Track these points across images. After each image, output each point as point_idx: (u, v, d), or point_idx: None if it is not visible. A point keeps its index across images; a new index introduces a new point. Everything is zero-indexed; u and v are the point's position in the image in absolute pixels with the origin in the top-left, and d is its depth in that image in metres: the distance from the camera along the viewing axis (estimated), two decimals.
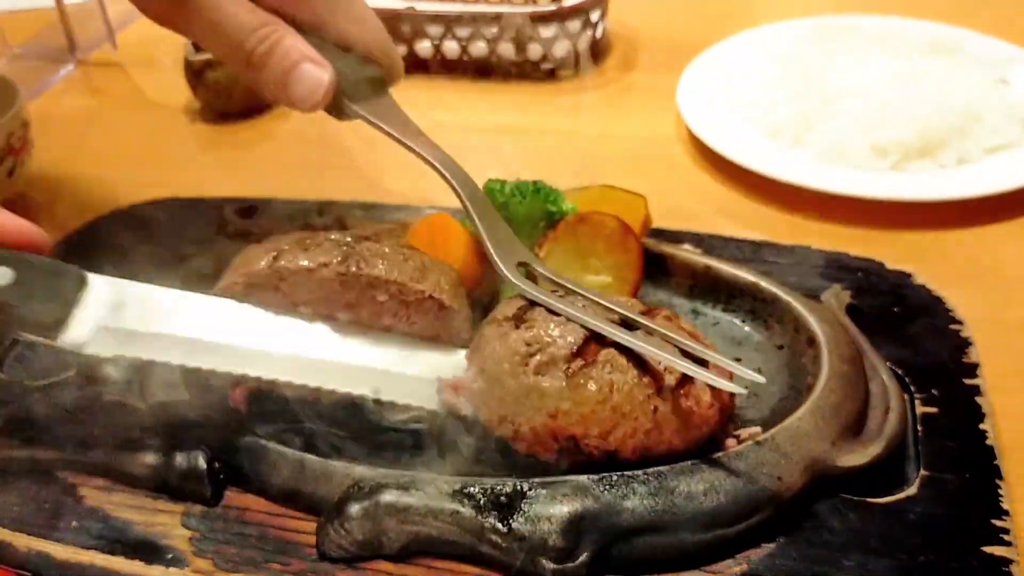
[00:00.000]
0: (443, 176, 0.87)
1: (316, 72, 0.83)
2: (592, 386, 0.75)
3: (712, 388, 0.76)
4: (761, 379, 0.76)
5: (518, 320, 0.79)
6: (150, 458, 0.81)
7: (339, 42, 0.87)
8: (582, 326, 0.77)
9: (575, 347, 0.76)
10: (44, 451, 0.84)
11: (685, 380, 0.76)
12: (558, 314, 0.78)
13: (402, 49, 1.64)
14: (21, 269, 0.77)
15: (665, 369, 0.76)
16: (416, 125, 0.89)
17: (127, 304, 0.81)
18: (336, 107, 0.88)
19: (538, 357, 0.76)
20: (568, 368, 0.75)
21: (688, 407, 0.75)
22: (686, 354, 0.76)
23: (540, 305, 0.80)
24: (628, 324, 0.79)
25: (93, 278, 0.81)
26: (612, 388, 0.75)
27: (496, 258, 0.84)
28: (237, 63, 0.84)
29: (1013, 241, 1.17)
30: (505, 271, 0.83)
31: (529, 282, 0.83)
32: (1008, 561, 0.70)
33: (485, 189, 0.95)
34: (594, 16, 1.61)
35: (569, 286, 0.83)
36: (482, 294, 0.95)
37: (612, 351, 0.76)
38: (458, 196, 0.86)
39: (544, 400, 0.75)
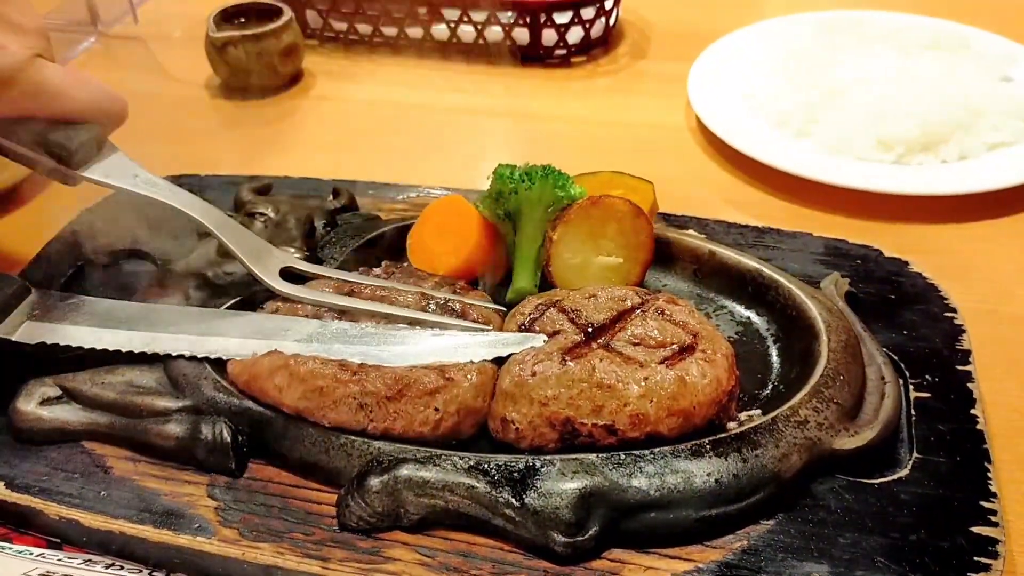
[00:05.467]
0: (187, 214, 0.91)
1: None
2: (575, 367, 0.81)
3: (705, 361, 0.82)
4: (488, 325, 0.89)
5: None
6: (177, 430, 0.83)
7: (52, 117, 0.89)
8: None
9: (564, 350, 0.83)
10: (73, 422, 0.86)
11: (672, 357, 0.82)
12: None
13: (418, 32, 1.66)
14: None
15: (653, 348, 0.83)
16: (147, 173, 0.92)
17: (57, 308, 0.92)
18: (60, 177, 0.91)
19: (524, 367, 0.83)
20: (556, 362, 0.82)
21: (679, 375, 0.80)
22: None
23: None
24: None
25: (33, 290, 0.93)
26: (594, 368, 0.81)
27: (257, 272, 0.91)
28: None
29: (1011, 236, 1.19)
30: (269, 281, 0.91)
31: (292, 285, 0.92)
32: (995, 541, 0.73)
33: (495, 174, 0.98)
34: (608, 3, 1.63)
35: (343, 277, 0.94)
36: (495, 276, 0.99)
37: (600, 351, 0.83)
38: (206, 227, 0.91)
39: (535, 391, 0.80)
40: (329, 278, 0.94)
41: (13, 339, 0.89)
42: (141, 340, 0.89)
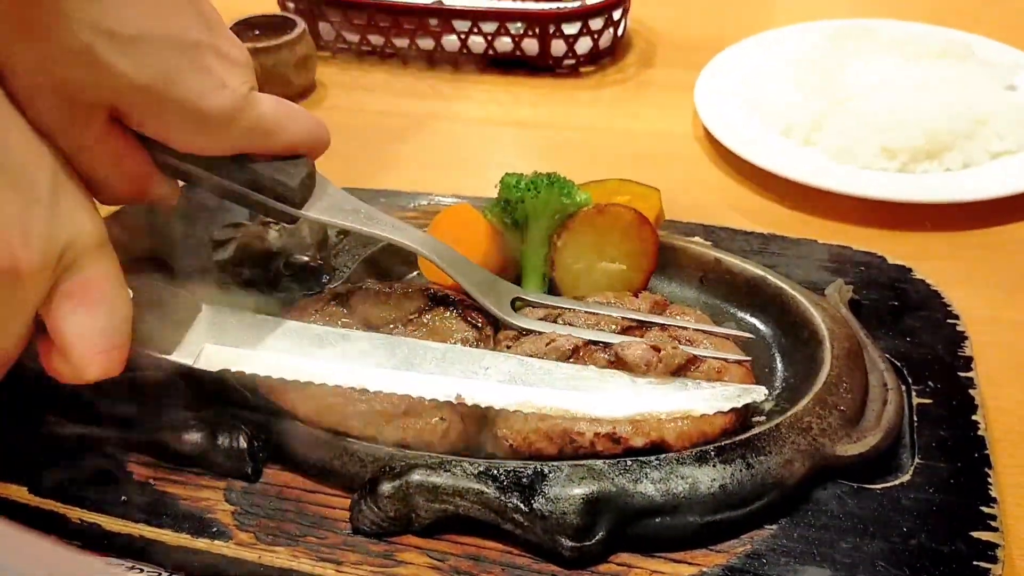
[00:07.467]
0: (415, 249, 0.89)
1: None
2: None
3: (716, 372, 0.84)
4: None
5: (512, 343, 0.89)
6: (195, 437, 0.85)
7: (268, 153, 0.82)
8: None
9: (563, 358, 0.85)
10: (94, 429, 0.88)
11: (680, 369, 0.84)
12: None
13: (429, 43, 1.68)
14: (142, 293, 0.79)
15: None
16: (366, 205, 0.88)
17: (229, 328, 0.85)
18: (283, 217, 0.85)
19: None
20: None
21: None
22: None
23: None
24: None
25: (204, 306, 0.85)
26: None
27: (489, 306, 0.91)
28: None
29: (1014, 244, 1.20)
30: (502, 315, 0.91)
31: (526, 318, 0.91)
32: (995, 545, 0.74)
33: (501, 183, 0.99)
34: (616, 14, 1.65)
35: (566, 305, 0.92)
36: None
37: (602, 358, 0.85)
38: (433, 262, 0.90)
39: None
40: (550, 306, 0.93)
41: (195, 366, 0.81)
42: (346, 372, 0.83)
